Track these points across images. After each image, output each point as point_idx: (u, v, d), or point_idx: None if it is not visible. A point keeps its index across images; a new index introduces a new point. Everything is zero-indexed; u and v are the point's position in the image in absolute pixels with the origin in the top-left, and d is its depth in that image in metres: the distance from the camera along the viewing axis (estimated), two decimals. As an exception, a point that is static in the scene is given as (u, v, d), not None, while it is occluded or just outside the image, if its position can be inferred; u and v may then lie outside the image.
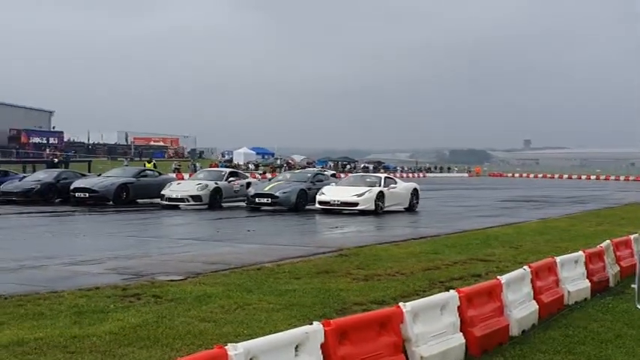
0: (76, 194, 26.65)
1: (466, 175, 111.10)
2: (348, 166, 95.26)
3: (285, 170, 60.80)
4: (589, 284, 9.75)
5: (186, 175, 45.33)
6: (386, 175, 30.00)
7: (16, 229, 18.04)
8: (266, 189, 25.80)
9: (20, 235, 16.67)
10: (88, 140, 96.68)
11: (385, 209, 24.28)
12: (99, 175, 31.26)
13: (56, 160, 58.10)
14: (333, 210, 24.11)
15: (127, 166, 45.37)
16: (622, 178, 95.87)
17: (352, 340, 5.19)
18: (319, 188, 25.15)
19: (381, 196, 24.21)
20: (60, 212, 23.60)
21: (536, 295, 8.23)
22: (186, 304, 8.20)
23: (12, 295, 8.49)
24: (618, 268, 11.13)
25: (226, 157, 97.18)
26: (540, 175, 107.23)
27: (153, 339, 6.64)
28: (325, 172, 33.87)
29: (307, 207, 25.28)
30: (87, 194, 26.50)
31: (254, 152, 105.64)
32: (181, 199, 25.82)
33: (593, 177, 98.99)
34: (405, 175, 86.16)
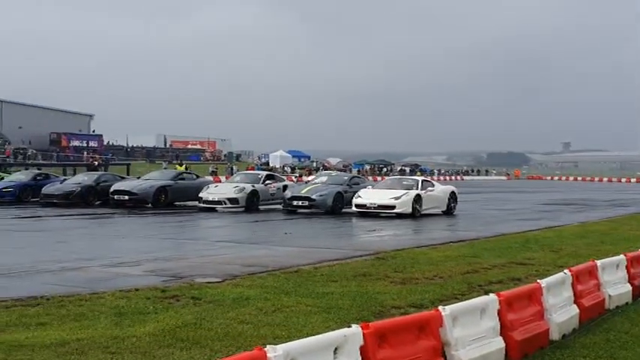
0: (116, 197, 26.99)
1: (504, 178, 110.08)
2: (385, 169, 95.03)
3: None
4: (630, 288, 9.59)
5: (223, 178, 45.65)
6: (423, 177, 29.86)
7: (58, 232, 18.30)
8: (303, 192, 25.84)
9: (61, 237, 16.91)
10: (127, 143, 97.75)
11: (422, 212, 24.15)
12: (138, 177, 31.61)
13: (96, 163, 58.87)
14: (370, 213, 24.06)
15: (165, 169, 45.79)
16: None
17: (391, 343, 5.17)
18: (356, 191, 25.10)
19: (418, 199, 24.08)
20: (100, 214, 23.91)
21: (577, 299, 8.12)
22: (224, 306, 8.25)
23: (54, 296, 8.62)
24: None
25: (262, 160, 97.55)
26: (579, 178, 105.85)
27: (192, 340, 6.69)
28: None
29: (344, 210, 25.26)
30: (126, 197, 26.82)
31: (290, 155, 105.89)
32: (218, 202, 25.98)
33: (633, 180, 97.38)
34: (441, 178, 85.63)
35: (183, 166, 46.91)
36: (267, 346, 4.28)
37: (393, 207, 23.68)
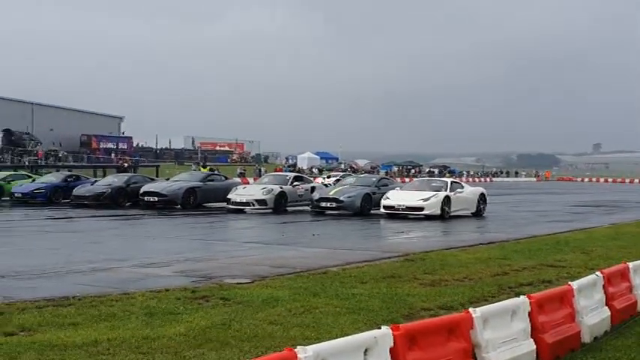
0: (145, 198, 27.21)
1: (534, 179, 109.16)
2: (413, 171, 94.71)
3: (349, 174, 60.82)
4: (663, 291, 9.45)
5: (251, 180, 45.81)
6: (452, 179, 29.70)
7: (89, 232, 18.50)
8: (331, 193, 25.85)
9: (92, 238, 17.08)
10: (156, 145, 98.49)
11: (451, 214, 24.03)
12: (167, 179, 31.84)
13: (126, 164, 59.38)
14: (399, 215, 23.99)
15: (194, 170, 46.07)
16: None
17: (421, 345, 5.15)
18: (384, 193, 25.05)
19: (447, 200, 23.97)
20: (130, 216, 24.13)
21: (609, 301, 8.03)
22: (253, 306, 8.27)
23: (85, 297, 8.71)
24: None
25: (290, 162, 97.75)
26: (610, 180, 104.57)
27: (222, 341, 6.72)
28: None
29: (372, 211, 25.22)
30: (156, 198, 27.02)
31: (318, 157, 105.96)
32: (247, 203, 26.08)
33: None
34: (471, 179, 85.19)
35: (207, 168, 47.15)
36: (298, 346, 4.29)
37: (422, 209, 23.59)
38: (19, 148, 67.99)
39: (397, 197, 24.37)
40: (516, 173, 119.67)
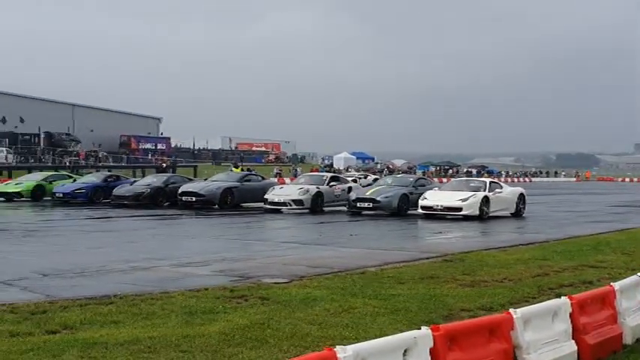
0: (184, 198, 27.43)
1: (573, 179, 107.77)
2: (450, 171, 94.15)
3: (385, 175, 60.69)
4: None
5: (287, 180, 45.93)
6: (491, 179, 29.42)
7: (128, 232, 18.71)
8: (368, 193, 25.79)
9: (132, 237, 17.28)
10: (194, 146, 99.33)
11: (490, 214, 23.82)
12: (205, 179, 32.06)
13: (164, 165, 59.97)
14: (436, 215, 23.85)
15: (231, 170, 46.39)
16: None
17: (461, 346, 5.12)
18: (421, 193, 24.90)
19: (486, 200, 23.76)
20: (168, 215, 24.35)
21: (652, 302, 7.89)
22: (291, 306, 8.29)
23: (126, 295, 8.81)
24: None
25: (326, 162, 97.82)
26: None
27: (261, 340, 6.75)
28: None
29: (409, 212, 25.11)
30: (194, 198, 27.21)
31: (354, 157, 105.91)
32: (284, 203, 26.15)
33: None
34: (509, 179, 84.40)
35: (239, 168, 47.42)
36: (337, 346, 4.28)
37: (460, 209, 23.42)
38: (60, 149, 69.13)
39: (435, 197, 24.22)
40: (556, 173, 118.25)
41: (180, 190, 27.85)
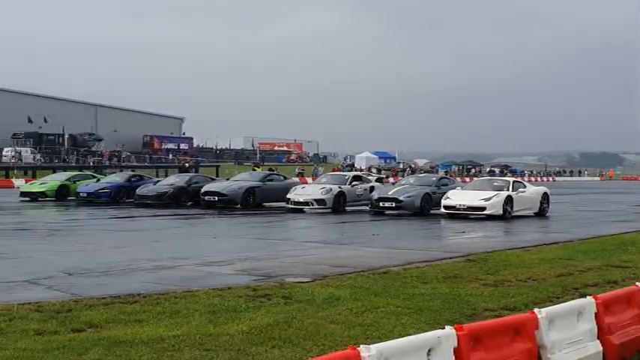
0: (206, 197, 27.54)
1: (597, 178, 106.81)
2: (473, 170, 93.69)
3: (408, 174, 60.54)
4: None
5: (309, 180, 45.97)
6: (514, 178, 29.23)
7: (152, 231, 18.83)
8: (390, 193, 25.72)
9: (155, 236, 17.38)
10: (216, 146, 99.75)
11: (514, 214, 23.67)
12: (227, 179, 32.18)
13: (187, 164, 60.28)
14: (459, 214, 23.75)
15: (254, 170, 46.53)
16: None
17: (486, 345, 5.10)
18: (444, 192, 24.80)
19: (509, 200, 23.60)
20: (191, 215, 24.47)
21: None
22: (315, 305, 8.30)
23: (150, 294, 8.87)
24: None
25: (348, 162, 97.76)
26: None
27: (284, 339, 6.76)
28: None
29: (432, 212, 25.02)
30: (216, 198, 27.32)
31: (376, 156, 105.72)
32: (306, 203, 26.17)
33: None
34: (533, 179, 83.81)
35: (260, 168, 47.60)
36: (361, 345, 4.29)
37: (483, 208, 23.29)
38: (84, 149, 69.79)
39: (458, 197, 24.11)
40: (579, 172, 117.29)
41: (202, 190, 27.98)
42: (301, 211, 26.00)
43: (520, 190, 24.66)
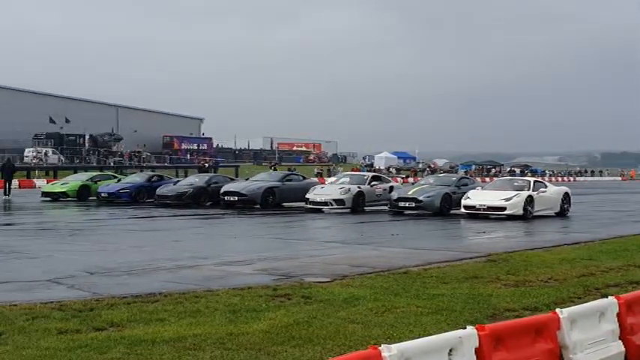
0: (226, 197, 27.62)
1: (619, 178, 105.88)
2: (493, 170, 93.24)
3: (427, 174, 60.38)
4: None
5: (328, 180, 45.95)
6: (535, 178, 29.05)
7: (172, 231, 18.91)
8: (409, 193, 25.65)
9: (175, 236, 17.45)
10: (235, 146, 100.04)
11: (534, 214, 23.52)
12: (247, 179, 32.26)
13: (207, 165, 60.51)
14: (479, 215, 23.64)
15: (274, 170, 46.65)
16: None
17: (507, 345, 5.07)
18: (464, 192, 24.69)
19: (530, 200, 23.46)
20: (211, 215, 24.56)
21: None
22: (334, 305, 8.30)
23: (171, 293, 8.91)
24: None
25: (367, 162, 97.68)
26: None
27: (304, 338, 6.77)
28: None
29: (452, 212, 24.92)
30: (236, 197, 27.39)
31: (395, 156, 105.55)
32: (325, 203, 26.17)
33: None
34: (553, 178, 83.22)
35: (277, 168, 47.83)
36: (382, 345, 4.28)
37: (504, 208, 23.18)
38: (104, 149, 70.30)
39: (478, 197, 24.00)
40: (600, 172, 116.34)
41: (222, 190, 28.06)
42: (320, 211, 26.00)
43: (541, 190, 24.51)
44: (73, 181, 33.37)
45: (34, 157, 61.47)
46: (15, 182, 38.82)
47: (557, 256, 13.20)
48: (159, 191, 29.36)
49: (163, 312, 7.85)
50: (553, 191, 25.31)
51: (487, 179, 54.68)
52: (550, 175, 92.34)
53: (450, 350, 4.73)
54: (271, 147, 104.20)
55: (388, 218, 23.75)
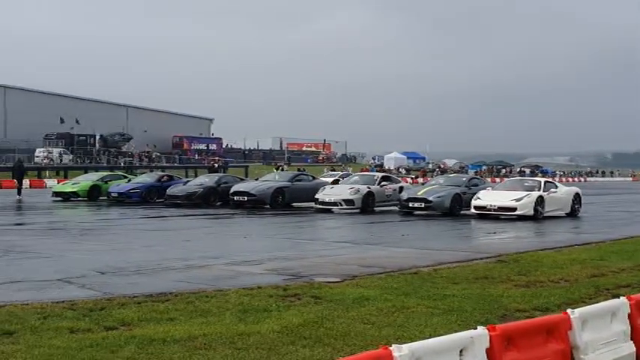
0: (235, 197, 27.67)
1: (630, 179, 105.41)
2: (504, 171, 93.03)
3: (437, 175, 60.29)
4: None
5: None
6: (545, 179, 28.95)
7: (182, 231, 18.95)
8: (419, 193, 25.62)
9: (185, 236, 17.47)
10: (245, 146, 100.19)
11: (545, 215, 23.45)
12: (256, 179, 32.30)
13: (216, 165, 60.64)
14: (490, 215, 23.57)
15: (283, 170, 46.67)
16: None
17: (518, 346, 5.06)
18: (474, 192, 24.63)
19: (540, 200, 23.38)
20: (220, 215, 24.60)
21: None
22: (345, 305, 8.30)
23: (181, 293, 8.93)
24: None
25: (377, 162, 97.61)
26: None
27: (315, 338, 6.77)
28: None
29: (462, 212, 24.87)
30: (245, 198, 27.44)
31: (405, 157, 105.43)
32: (334, 203, 26.16)
33: None
34: (564, 179, 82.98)
35: (279, 169, 47.98)
36: (393, 345, 4.28)
37: (514, 209, 23.10)
38: (114, 149, 70.55)
39: (488, 197, 23.94)
40: (611, 173, 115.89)
41: (232, 190, 28.11)
42: (330, 211, 26.00)
43: (552, 190, 24.42)
44: (84, 181, 33.54)
45: (45, 157, 61.74)
46: (25, 182, 39.06)
47: (568, 256, 13.15)
48: (169, 191, 29.45)
49: (174, 311, 7.86)
50: (564, 192, 25.22)
51: (497, 179, 54.58)
52: (560, 176, 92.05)
53: (461, 350, 4.72)
54: (280, 147, 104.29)
55: (398, 218, 23.72)
